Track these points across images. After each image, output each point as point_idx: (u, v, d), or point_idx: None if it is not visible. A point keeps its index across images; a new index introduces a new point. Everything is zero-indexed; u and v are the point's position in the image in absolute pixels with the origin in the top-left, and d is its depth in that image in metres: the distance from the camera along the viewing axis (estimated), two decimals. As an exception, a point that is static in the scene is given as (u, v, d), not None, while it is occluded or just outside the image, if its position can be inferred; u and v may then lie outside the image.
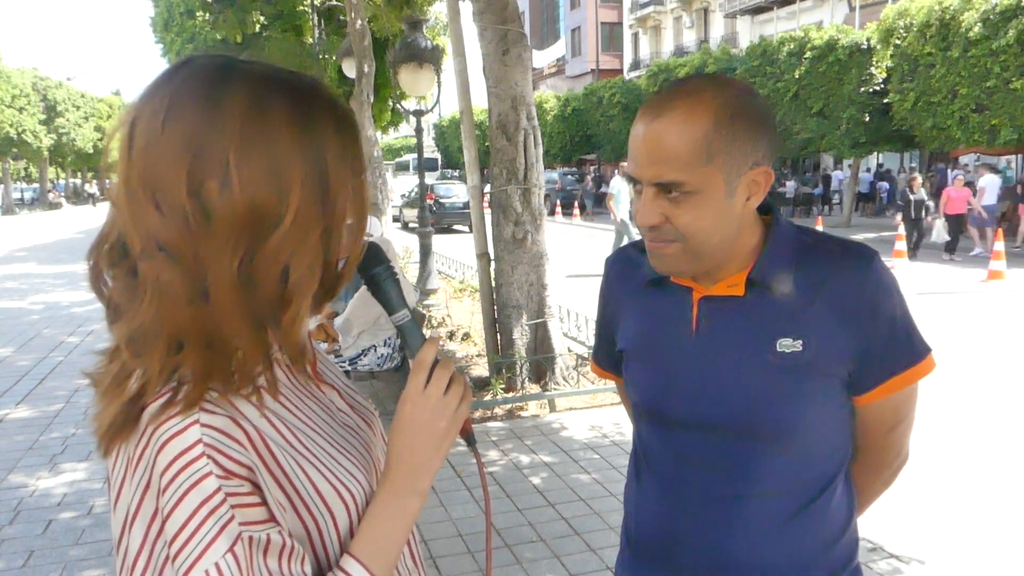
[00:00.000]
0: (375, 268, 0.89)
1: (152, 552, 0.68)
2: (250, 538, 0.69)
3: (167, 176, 0.69)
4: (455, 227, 21.93)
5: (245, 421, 0.73)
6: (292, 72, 0.78)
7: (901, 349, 1.07)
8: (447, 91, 10.26)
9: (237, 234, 0.69)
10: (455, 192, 22.20)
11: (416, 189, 23.35)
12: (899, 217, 13.94)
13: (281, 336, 0.74)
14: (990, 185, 14.68)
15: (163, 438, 0.68)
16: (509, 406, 5.25)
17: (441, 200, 21.67)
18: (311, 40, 14.64)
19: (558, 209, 26.11)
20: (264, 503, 0.71)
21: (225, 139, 0.69)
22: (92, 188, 51.03)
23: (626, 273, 1.23)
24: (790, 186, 23.87)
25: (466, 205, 21.88)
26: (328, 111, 0.76)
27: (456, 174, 35.54)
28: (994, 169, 16.14)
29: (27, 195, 50.97)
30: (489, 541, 0.95)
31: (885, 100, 18.06)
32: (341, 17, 15.07)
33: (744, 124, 0.99)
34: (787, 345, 1.04)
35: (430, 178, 26.50)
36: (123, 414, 0.71)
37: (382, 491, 0.82)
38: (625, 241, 10.96)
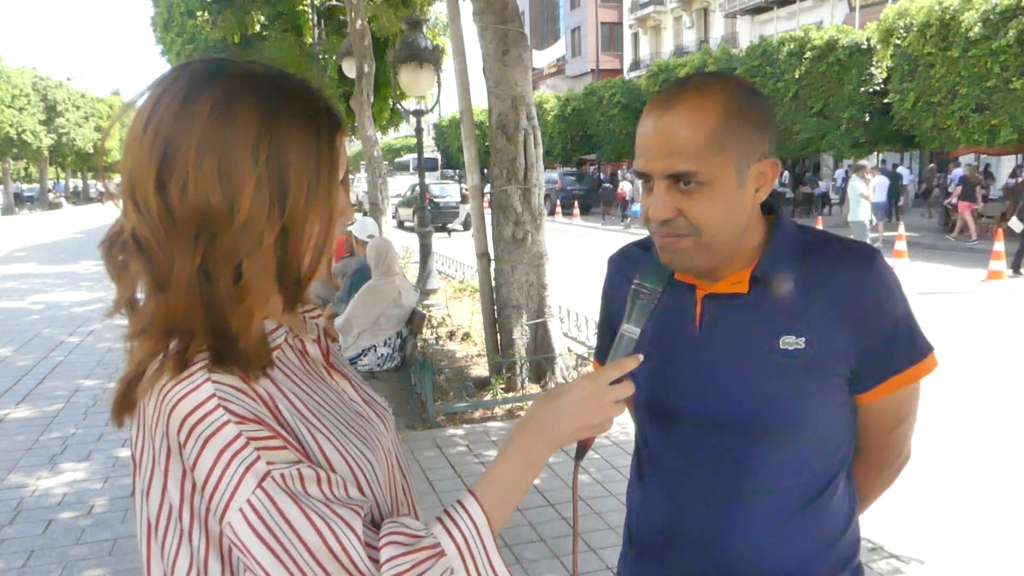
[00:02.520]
0: (644, 283, 1.03)
1: (192, 506, 0.73)
2: (281, 475, 0.71)
3: (141, 175, 0.74)
4: (449, 226, 22.16)
5: (256, 384, 0.76)
6: (275, 75, 0.79)
7: (903, 347, 1.07)
8: (447, 91, 10.26)
9: (195, 233, 0.73)
10: (449, 192, 22.82)
11: (414, 188, 23.90)
12: (1015, 222, 12.22)
13: (236, 331, 0.76)
14: (879, 185, 16.40)
15: (175, 399, 0.72)
16: (509, 406, 5.25)
17: (436, 200, 21.84)
18: (311, 40, 14.63)
19: (558, 209, 26.12)
20: (288, 445, 0.74)
21: (187, 143, 0.73)
22: (101, 187, 51.05)
23: (628, 272, 1.22)
24: (823, 185, 23.62)
25: (456, 204, 22.81)
26: (300, 115, 0.78)
27: (454, 174, 35.60)
28: (884, 172, 18.58)
29: (27, 193, 50.79)
30: (575, 551, 1.03)
31: (885, 100, 18.06)
32: (341, 17, 15.07)
33: (751, 116, 1.01)
34: (790, 343, 1.04)
35: (430, 177, 26.81)
36: (122, 389, 0.78)
37: (514, 438, 0.86)
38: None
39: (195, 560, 0.74)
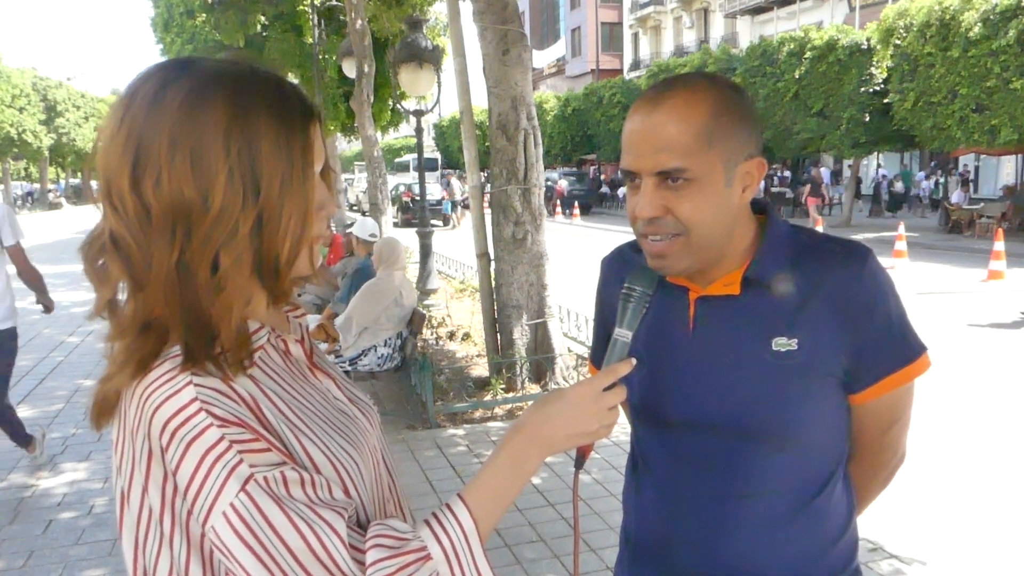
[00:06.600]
0: (635, 286, 1.02)
1: (174, 509, 0.73)
2: (265, 478, 0.71)
3: (115, 173, 0.74)
4: (431, 222, 22.77)
5: (238, 387, 0.76)
6: (245, 69, 0.79)
7: (896, 348, 1.07)
8: (447, 91, 10.26)
9: (171, 227, 0.74)
10: (429, 190, 23.82)
11: (398, 187, 24.37)
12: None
13: (216, 323, 0.76)
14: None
15: (156, 403, 0.72)
16: (509, 406, 5.25)
17: (418, 198, 22.31)
18: (311, 40, 14.62)
19: (558, 209, 26.14)
20: (271, 447, 0.73)
21: (159, 138, 0.73)
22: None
23: (622, 274, 1.22)
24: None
25: (438, 202, 23.82)
26: (270, 106, 0.77)
27: (453, 173, 35.66)
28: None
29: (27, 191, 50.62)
30: (577, 555, 1.04)
31: (885, 100, 18.06)
32: (341, 17, 15.06)
33: (739, 115, 1.01)
34: (782, 344, 1.03)
35: (409, 177, 27.78)
36: (99, 392, 0.77)
37: (505, 444, 0.85)
38: None
39: (175, 564, 0.74)
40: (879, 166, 26.81)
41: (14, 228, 4.28)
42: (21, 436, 4.40)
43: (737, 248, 1.08)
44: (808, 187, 20.57)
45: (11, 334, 4.29)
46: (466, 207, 24.61)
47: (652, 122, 0.99)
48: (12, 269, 4.40)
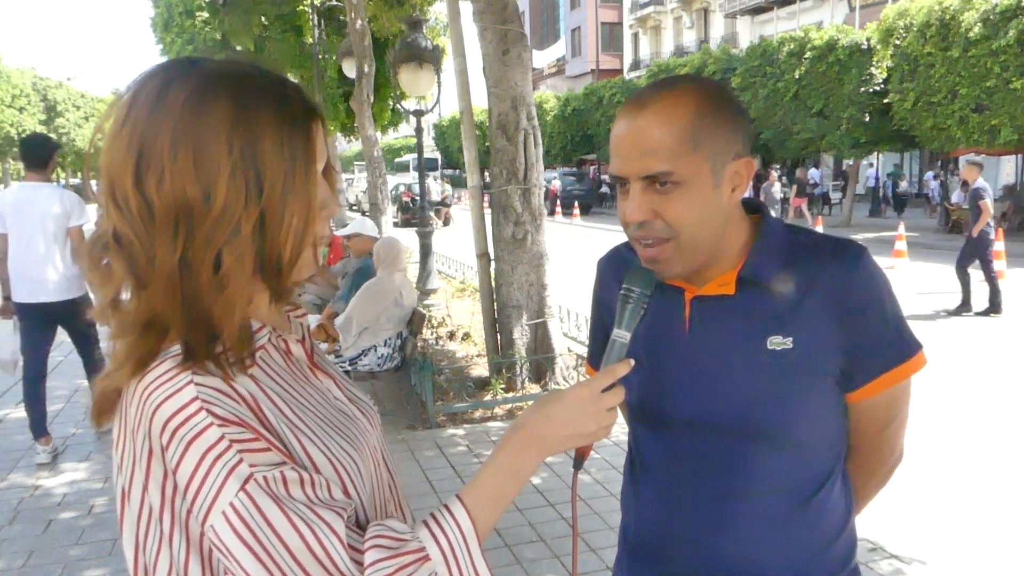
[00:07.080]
0: (633, 287, 1.02)
1: (173, 508, 0.73)
2: (264, 478, 0.71)
3: (119, 171, 0.75)
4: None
5: (239, 386, 0.76)
6: (248, 69, 0.80)
7: (891, 345, 1.07)
8: (447, 91, 10.25)
9: (174, 224, 0.74)
10: (428, 189, 23.51)
11: (398, 187, 24.37)
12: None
13: (217, 322, 0.76)
14: None
15: (157, 401, 0.72)
16: (509, 406, 5.25)
17: (415, 198, 22.35)
18: (311, 40, 14.63)
19: (558, 209, 26.15)
20: (271, 447, 0.74)
21: (162, 136, 0.74)
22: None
23: (619, 274, 1.22)
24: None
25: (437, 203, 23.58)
26: (272, 106, 0.78)
27: (453, 174, 35.76)
28: None
29: None
30: (576, 555, 1.04)
31: (885, 100, 18.06)
32: (341, 17, 15.06)
33: (724, 115, 1.02)
34: (777, 343, 1.04)
35: (409, 177, 27.91)
36: (99, 390, 0.78)
37: (504, 444, 0.86)
38: None
39: (175, 562, 0.74)
40: (871, 165, 26.74)
41: (83, 213, 4.61)
42: (41, 427, 4.51)
43: (731, 248, 1.08)
44: (795, 188, 21.07)
45: (81, 303, 4.60)
46: (446, 205, 24.63)
47: (637, 126, 1.00)
48: None
